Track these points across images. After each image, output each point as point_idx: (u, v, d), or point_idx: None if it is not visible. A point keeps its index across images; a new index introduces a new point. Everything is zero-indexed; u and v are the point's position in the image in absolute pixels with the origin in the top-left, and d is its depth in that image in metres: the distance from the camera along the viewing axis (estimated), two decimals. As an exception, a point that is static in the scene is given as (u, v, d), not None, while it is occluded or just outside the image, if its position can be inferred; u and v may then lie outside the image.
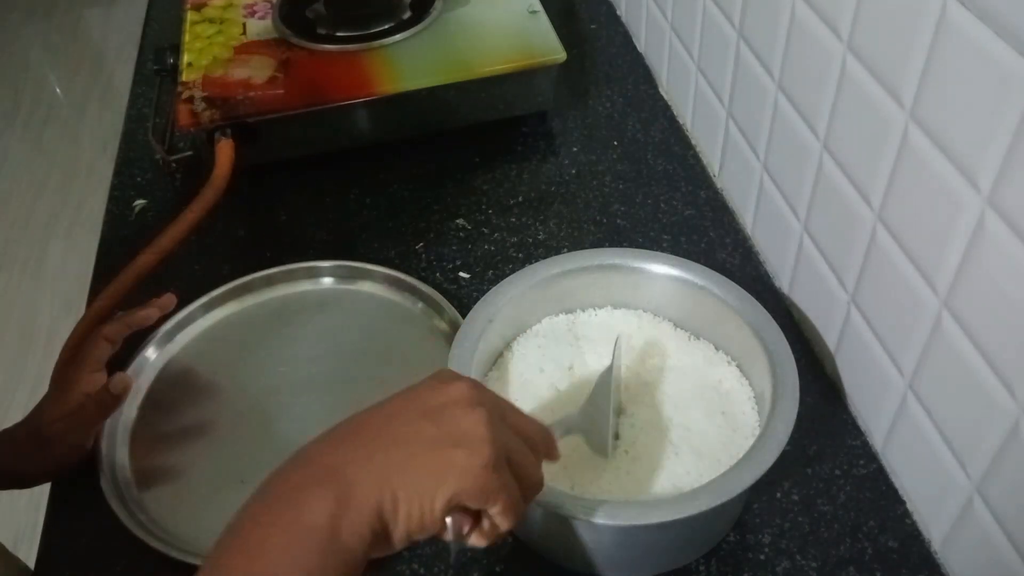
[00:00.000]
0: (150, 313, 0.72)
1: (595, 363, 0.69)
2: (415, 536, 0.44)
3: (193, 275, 0.85)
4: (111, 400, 0.68)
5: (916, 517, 0.65)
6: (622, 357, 0.67)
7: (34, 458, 0.67)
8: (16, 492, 0.68)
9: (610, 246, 0.85)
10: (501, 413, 0.47)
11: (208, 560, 0.41)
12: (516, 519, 0.46)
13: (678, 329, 0.72)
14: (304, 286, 0.83)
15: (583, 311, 0.73)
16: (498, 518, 0.46)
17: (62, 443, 0.67)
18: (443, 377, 0.48)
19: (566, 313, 0.73)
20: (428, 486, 0.43)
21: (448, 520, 0.45)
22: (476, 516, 0.46)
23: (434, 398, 0.46)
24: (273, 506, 0.42)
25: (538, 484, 0.49)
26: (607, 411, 0.61)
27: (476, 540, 0.47)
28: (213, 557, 0.41)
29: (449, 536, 0.45)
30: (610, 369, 0.63)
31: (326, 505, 0.41)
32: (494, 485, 0.44)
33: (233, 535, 0.42)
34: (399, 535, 0.43)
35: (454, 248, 0.86)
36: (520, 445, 0.47)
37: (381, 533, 0.42)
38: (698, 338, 0.71)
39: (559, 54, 0.94)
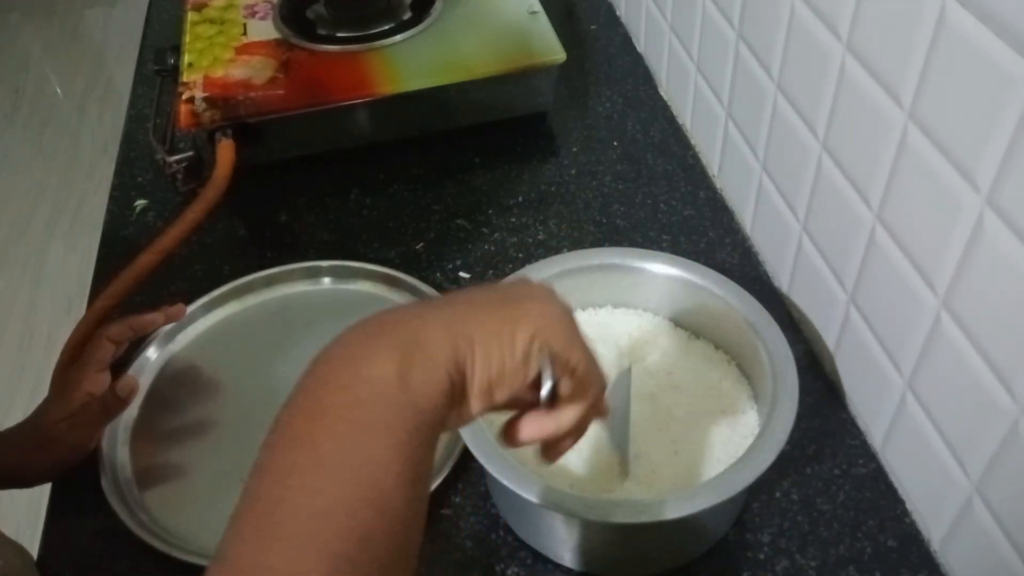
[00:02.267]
0: (156, 319, 0.72)
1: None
2: (496, 389, 0.38)
3: (193, 275, 0.85)
4: (116, 403, 0.68)
5: (915, 516, 0.65)
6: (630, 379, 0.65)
7: (36, 458, 0.67)
8: (16, 492, 0.68)
9: (610, 246, 0.85)
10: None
11: (275, 424, 0.36)
12: (603, 384, 0.42)
13: (678, 328, 0.72)
14: (304, 286, 0.83)
15: (583, 311, 0.73)
16: (585, 377, 0.41)
17: (64, 443, 0.67)
18: (514, 278, 0.45)
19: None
20: (506, 326, 0.38)
21: (538, 360, 0.39)
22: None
23: (505, 285, 0.43)
24: (334, 365, 0.37)
25: (604, 382, 0.44)
26: (625, 415, 0.61)
27: (569, 406, 0.41)
28: (279, 419, 0.36)
29: (545, 383, 0.39)
30: (627, 372, 0.63)
31: (392, 354, 0.36)
32: (575, 330, 0.40)
33: (294, 399, 0.37)
34: (478, 387, 0.38)
35: (454, 248, 0.86)
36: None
37: (458, 383, 0.37)
38: (698, 337, 0.71)
39: (559, 55, 0.94)
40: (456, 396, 0.38)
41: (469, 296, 0.41)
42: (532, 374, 0.40)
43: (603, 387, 0.44)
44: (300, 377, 0.37)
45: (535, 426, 0.43)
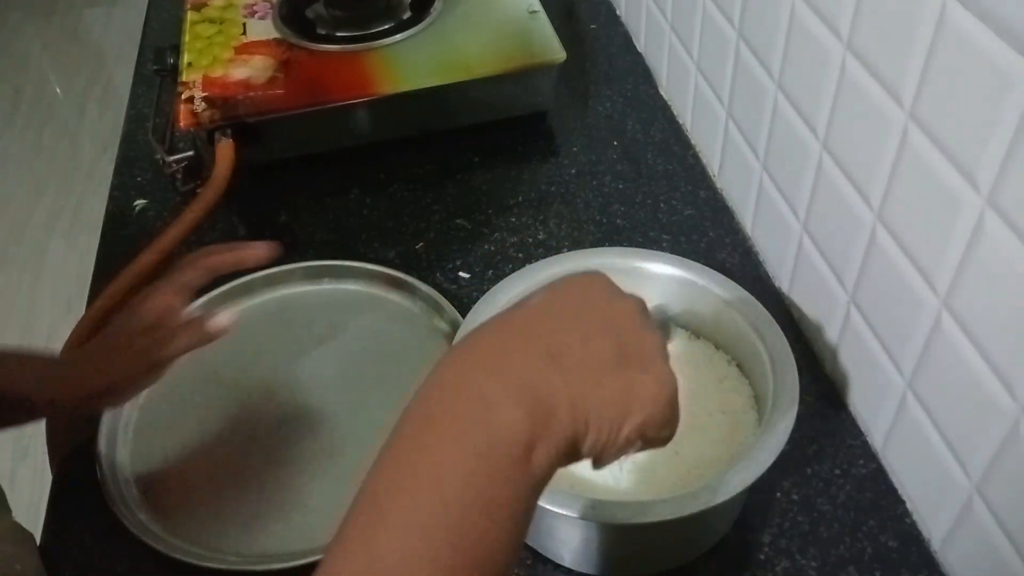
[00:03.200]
0: (259, 254, 0.66)
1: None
2: (592, 457, 0.41)
3: (193, 275, 0.84)
4: (201, 334, 0.61)
5: (916, 517, 0.65)
6: None
7: (116, 370, 0.62)
8: (15, 492, 0.68)
9: (610, 246, 0.85)
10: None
11: (383, 458, 0.36)
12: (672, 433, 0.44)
13: (677, 328, 0.72)
14: (304, 286, 0.83)
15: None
16: (663, 440, 0.43)
17: (142, 358, 0.62)
18: (604, 284, 0.44)
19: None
20: (618, 415, 0.40)
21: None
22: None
23: (610, 309, 0.43)
24: (458, 415, 0.37)
25: None
26: None
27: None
28: (387, 454, 0.36)
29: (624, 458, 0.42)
30: None
31: (524, 426, 0.36)
32: (675, 414, 0.42)
33: (407, 439, 0.37)
34: (581, 457, 0.40)
35: (454, 248, 0.86)
36: None
37: (569, 458, 0.39)
38: (698, 337, 0.71)
39: (559, 54, 0.94)
40: (563, 465, 0.39)
41: (591, 351, 0.40)
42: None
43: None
44: (412, 406, 0.38)
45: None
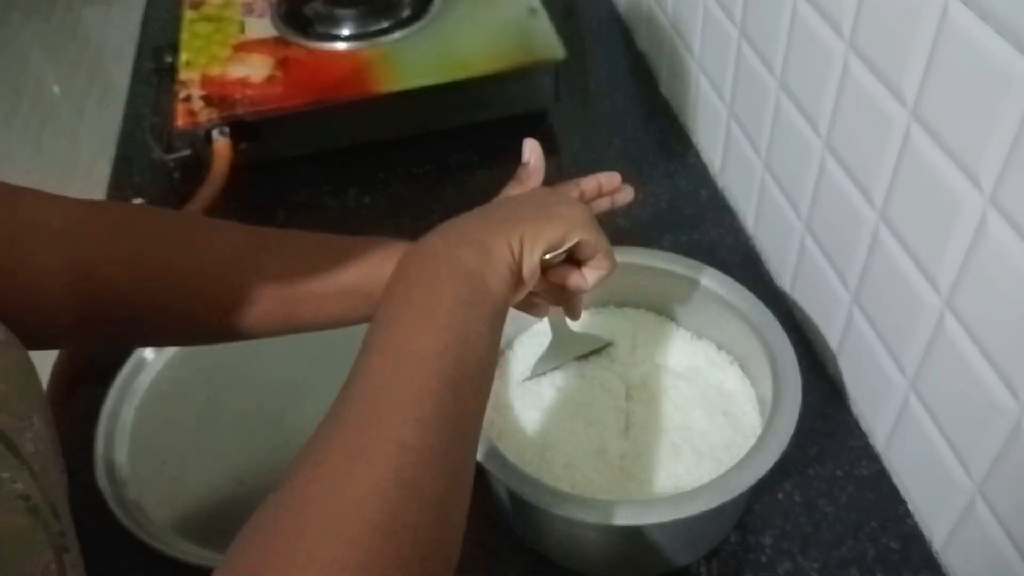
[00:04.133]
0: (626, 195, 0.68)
1: (596, 362, 0.69)
2: (540, 265, 0.51)
3: (191, 275, 0.84)
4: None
5: (918, 518, 0.65)
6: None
7: None
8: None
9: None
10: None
11: (379, 312, 0.46)
12: (614, 263, 0.55)
13: (680, 328, 0.72)
14: (303, 286, 0.83)
15: (584, 310, 0.73)
16: (602, 258, 0.54)
17: None
18: (555, 190, 0.59)
19: (566, 312, 0.73)
20: (541, 227, 0.51)
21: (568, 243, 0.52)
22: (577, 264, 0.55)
23: (552, 195, 0.57)
24: (435, 259, 0.48)
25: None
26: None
27: (593, 268, 0.55)
28: (384, 306, 0.46)
29: (560, 250, 0.52)
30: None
31: (475, 257, 0.48)
32: (595, 224, 0.53)
33: (399, 283, 0.47)
34: (529, 266, 0.50)
35: (454, 247, 0.86)
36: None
37: (515, 270, 0.49)
38: (700, 338, 0.71)
39: (559, 53, 0.94)
40: (514, 279, 0.49)
41: (516, 207, 0.54)
42: (565, 253, 0.53)
43: (611, 251, 0.56)
44: (400, 268, 0.49)
45: (579, 276, 0.56)
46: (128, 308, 0.54)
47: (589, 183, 0.66)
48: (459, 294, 0.46)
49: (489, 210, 0.54)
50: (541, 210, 0.53)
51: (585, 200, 0.66)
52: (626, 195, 0.68)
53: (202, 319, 0.56)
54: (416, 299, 0.46)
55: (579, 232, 0.52)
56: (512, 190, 0.63)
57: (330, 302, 0.59)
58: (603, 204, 0.67)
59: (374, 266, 0.59)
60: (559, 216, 0.52)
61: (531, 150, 0.63)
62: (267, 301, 0.57)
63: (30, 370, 0.42)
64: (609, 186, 0.67)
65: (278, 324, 0.59)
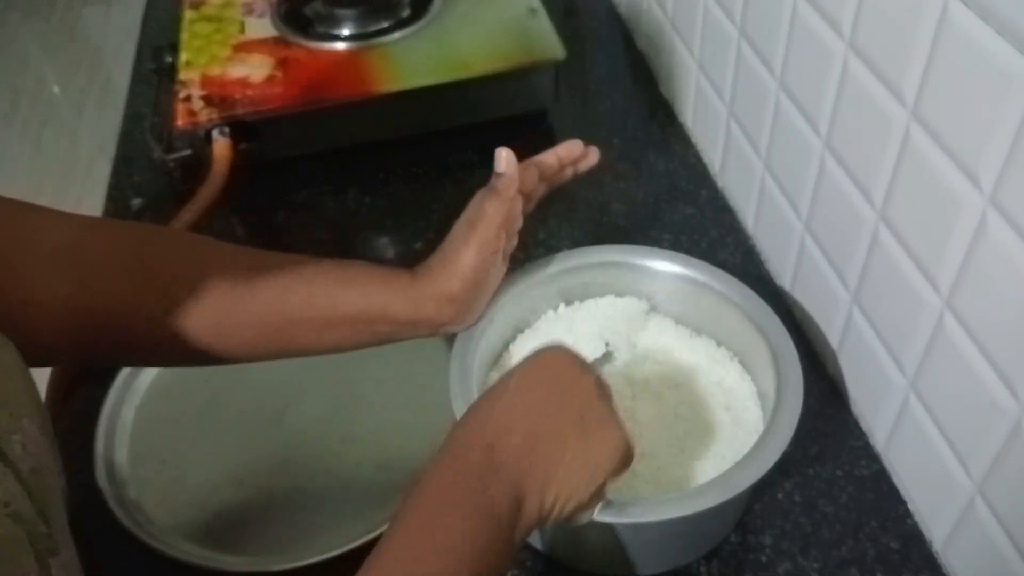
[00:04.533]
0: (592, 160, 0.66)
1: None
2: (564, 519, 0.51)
3: (191, 274, 0.84)
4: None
5: (918, 518, 0.65)
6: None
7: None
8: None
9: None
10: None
11: (391, 534, 0.45)
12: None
13: (679, 326, 0.72)
14: (303, 286, 0.83)
15: (581, 302, 0.73)
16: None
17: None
18: (568, 360, 0.52)
19: (566, 305, 0.72)
20: (584, 475, 0.49)
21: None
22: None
23: (575, 386, 0.51)
24: (461, 487, 0.47)
25: None
26: None
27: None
28: (396, 530, 0.45)
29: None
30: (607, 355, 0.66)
31: (506, 504, 0.46)
32: (629, 461, 0.52)
33: (415, 511, 0.46)
34: (550, 523, 0.49)
35: (454, 247, 0.86)
36: None
37: (538, 525, 0.49)
38: (700, 335, 0.71)
39: (559, 52, 0.94)
40: (531, 531, 0.49)
41: (560, 418, 0.50)
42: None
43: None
44: (420, 483, 0.47)
45: None
46: (124, 327, 0.54)
47: (547, 159, 0.64)
48: (477, 538, 0.45)
49: (538, 404, 0.50)
50: (582, 440, 0.50)
51: (547, 177, 0.64)
52: (590, 160, 0.66)
53: (199, 341, 0.56)
54: (436, 528, 0.46)
55: (612, 481, 0.52)
56: (487, 200, 0.61)
57: (331, 329, 0.59)
58: (567, 174, 0.65)
59: (376, 295, 0.58)
60: (596, 455, 0.50)
61: (505, 160, 0.61)
62: (265, 326, 0.57)
63: (21, 371, 0.41)
64: (569, 157, 0.65)
65: (279, 348, 0.59)
